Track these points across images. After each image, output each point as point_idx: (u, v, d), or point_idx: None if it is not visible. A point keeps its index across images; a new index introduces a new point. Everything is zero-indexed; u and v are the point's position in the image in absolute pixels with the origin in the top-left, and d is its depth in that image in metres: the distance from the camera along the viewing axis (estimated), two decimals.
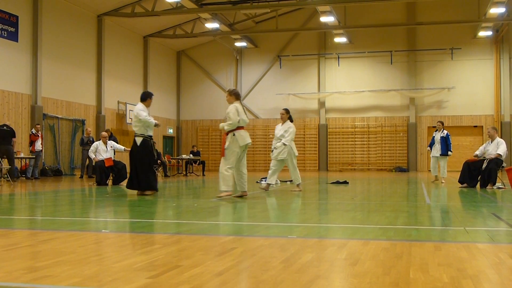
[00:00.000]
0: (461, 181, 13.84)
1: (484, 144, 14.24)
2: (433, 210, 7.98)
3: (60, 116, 24.03)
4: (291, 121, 12.49)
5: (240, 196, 9.99)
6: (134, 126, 11.13)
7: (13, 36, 21.43)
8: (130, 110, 29.10)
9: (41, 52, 22.67)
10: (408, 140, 31.91)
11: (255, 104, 33.82)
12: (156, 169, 14.96)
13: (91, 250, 4.47)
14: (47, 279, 3.33)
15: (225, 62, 35.07)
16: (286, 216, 7.25)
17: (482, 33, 30.07)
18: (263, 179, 15.19)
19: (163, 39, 32.39)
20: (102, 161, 15.33)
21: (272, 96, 33.58)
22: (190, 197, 11.20)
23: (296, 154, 12.33)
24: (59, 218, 7.12)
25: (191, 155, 26.16)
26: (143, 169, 10.89)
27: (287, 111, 12.49)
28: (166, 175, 22.99)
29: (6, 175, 17.20)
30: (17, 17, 21.62)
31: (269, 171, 12.33)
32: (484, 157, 13.71)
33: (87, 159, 20.65)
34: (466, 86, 31.28)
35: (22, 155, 20.20)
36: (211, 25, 28.94)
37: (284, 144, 12.07)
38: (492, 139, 13.77)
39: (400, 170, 30.97)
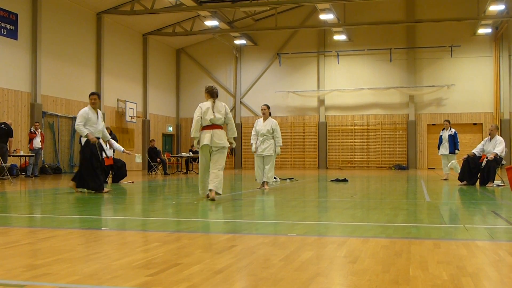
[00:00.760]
0: (460, 178, 13.84)
1: (482, 142, 14.22)
2: (433, 208, 7.99)
3: (59, 114, 24.02)
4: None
5: (212, 199, 8.96)
6: None
7: (13, 34, 21.42)
8: (130, 108, 29.12)
9: (41, 50, 22.67)
10: (408, 138, 31.92)
11: (255, 102, 33.79)
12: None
13: (91, 248, 4.47)
14: (46, 277, 3.33)
15: (225, 60, 35.05)
16: (286, 214, 7.26)
17: (481, 31, 30.08)
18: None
19: (163, 37, 32.37)
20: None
21: (271, 94, 33.54)
22: (189, 195, 11.20)
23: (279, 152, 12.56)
24: (58, 216, 7.12)
25: (191, 153, 26.18)
26: (84, 169, 11.14)
27: (268, 106, 12.57)
28: (165, 173, 23.00)
29: (6, 173, 17.18)
30: (16, 15, 21.60)
31: (266, 167, 12.23)
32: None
33: None
34: (466, 84, 31.28)
35: (21, 153, 20.19)
36: (211, 23, 28.93)
37: (279, 145, 12.33)
38: (492, 137, 13.76)
39: (400, 167, 30.97)
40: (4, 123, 18.12)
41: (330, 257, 4.02)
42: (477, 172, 13.56)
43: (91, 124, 11.15)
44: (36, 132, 20.10)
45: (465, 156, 14.08)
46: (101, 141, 11.78)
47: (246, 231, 5.60)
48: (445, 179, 16.65)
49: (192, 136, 9.42)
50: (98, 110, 11.49)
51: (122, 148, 15.79)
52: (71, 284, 3.15)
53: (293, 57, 33.78)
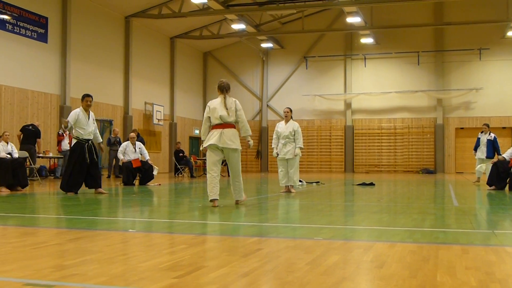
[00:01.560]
0: (489, 183, 13.66)
1: None
2: (461, 213, 7.89)
3: None
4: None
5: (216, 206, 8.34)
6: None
7: (43, 38, 21.75)
8: (157, 110, 29.33)
9: (70, 53, 22.96)
10: (436, 142, 31.58)
11: (281, 105, 33.66)
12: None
13: (118, 249, 4.51)
14: (74, 277, 3.37)
15: (251, 63, 35.11)
16: (312, 218, 7.23)
17: (511, 33, 29.62)
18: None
19: (190, 40, 32.56)
20: (129, 162, 15.46)
21: (298, 97, 33.48)
22: None
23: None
24: (86, 217, 7.20)
25: None
26: (67, 169, 11.39)
27: (291, 109, 12.63)
28: (192, 176, 23.09)
29: (35, 174, 17.43)
30: (46, 18, 21.93)
31: (291, 171, 12.13)
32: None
33: (114, 159, 20.85)
34: (495, 87, 30.84)
35: (50, 154, 20.47)
36: (237, 26, 29.00)
37: (301, 148, 12.28)
38: None
39: (427, 171, 30.65)
40: (32, 125, 18.37)
41: (356, 261, 4.00)
42: (506, 176, 13.36)
43: (80, 125, 11.39)
44: (64, 135, 20.35)
45: (494, 160, 13.91)
46: (101, 143, 12.02)
47: (272, 234, 5.60)
48: (477, 182, 16.57)
49: (202, 138, 8.66)
50: (91, 112, 11.71)
51: (148, 157, 15.88)
52: (99, 285, 3.18)
53: (320, 60, 33.69)
